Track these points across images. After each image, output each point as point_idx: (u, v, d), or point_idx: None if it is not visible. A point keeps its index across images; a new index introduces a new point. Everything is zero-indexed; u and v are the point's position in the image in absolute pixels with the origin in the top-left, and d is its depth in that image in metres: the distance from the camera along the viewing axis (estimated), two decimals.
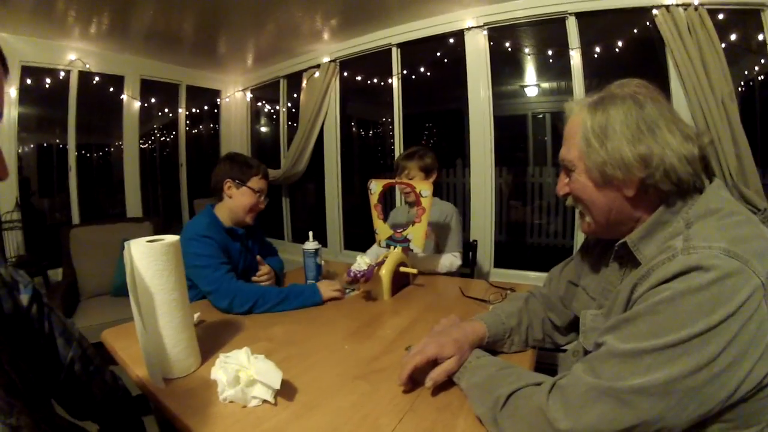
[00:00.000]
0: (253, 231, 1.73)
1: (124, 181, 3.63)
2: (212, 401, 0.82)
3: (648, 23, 2.36)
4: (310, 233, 1.69)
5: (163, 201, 4.21)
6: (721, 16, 2.18)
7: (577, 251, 1.05)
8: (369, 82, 3.51)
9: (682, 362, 0.54)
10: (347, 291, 1.58)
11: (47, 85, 3.19)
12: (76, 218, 3.35)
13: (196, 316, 1.23)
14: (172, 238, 0.91)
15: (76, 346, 0.86)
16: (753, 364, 0.54)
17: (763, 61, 2.29)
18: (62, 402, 0.89)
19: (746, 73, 2.45)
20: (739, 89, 2.11)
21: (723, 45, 2.08)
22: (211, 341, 1.12)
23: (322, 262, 1.75)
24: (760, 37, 2.20)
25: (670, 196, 0.70)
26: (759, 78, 2.46)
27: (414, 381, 0.87)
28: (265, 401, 0.81)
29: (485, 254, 2.87)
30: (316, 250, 1.68)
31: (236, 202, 1.62)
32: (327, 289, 1.50)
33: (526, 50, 2.94)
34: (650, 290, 0.61)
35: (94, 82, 3.36)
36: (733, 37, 2.29)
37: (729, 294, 0.54)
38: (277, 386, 0.79)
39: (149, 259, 0.86)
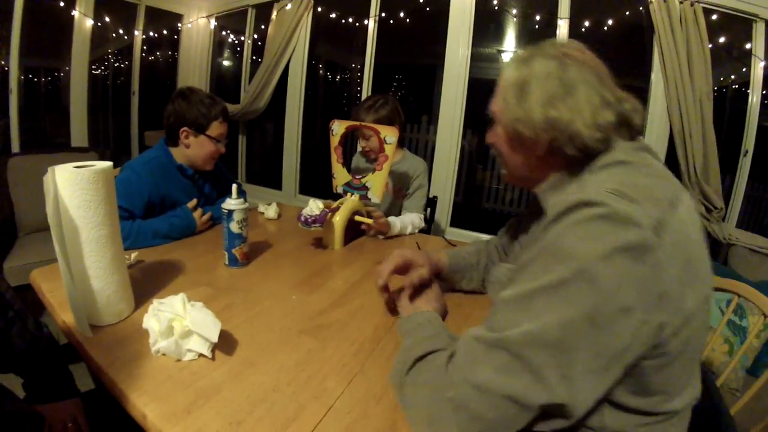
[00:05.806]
0: (214, 176, 1.61)
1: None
2: (143, 353, 0.74)
3: (641, 8, 2.32)
4: (234, 186, 1.19)
5: (114, 131, 3.86)
6: (714, 17, 2.18)
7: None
8: (343, 21, 3.26)
9: (574, 300, 0.49)
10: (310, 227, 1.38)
11: None
12: (16, 147, 3.02)
13: (133, 255, 1.13)
14: (102, 164, 0.79)
15: None
16: (645, 312, 0.50)
17: (744, 70, 2.31)
18: None
19: (721, 78, 2.46)
20: (713, 93, 2.14)
21: (710, 45, 2.08)
22: (147, 283, 1.02)
23: (244, 230, 1.17)
24: (748, 45, 2.23)
25: (577, 159, 0.67)
26: (733, 87, 2.51)
27: (390, 309, 0.97)
28: (201, 355, 0.74)
29: (443, 212, 2.89)
30: (231, 212, 1.14)
31: (194, 151, 1.46)
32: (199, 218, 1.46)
33: (513, 12, 2.82)
34: (542, 233, 0.58)
35: None
36: (721, 40, 2.30)
37: (619, 228, 0.50)
38: (215, 339, 0.72)
39: (74, 187, 0.74)
